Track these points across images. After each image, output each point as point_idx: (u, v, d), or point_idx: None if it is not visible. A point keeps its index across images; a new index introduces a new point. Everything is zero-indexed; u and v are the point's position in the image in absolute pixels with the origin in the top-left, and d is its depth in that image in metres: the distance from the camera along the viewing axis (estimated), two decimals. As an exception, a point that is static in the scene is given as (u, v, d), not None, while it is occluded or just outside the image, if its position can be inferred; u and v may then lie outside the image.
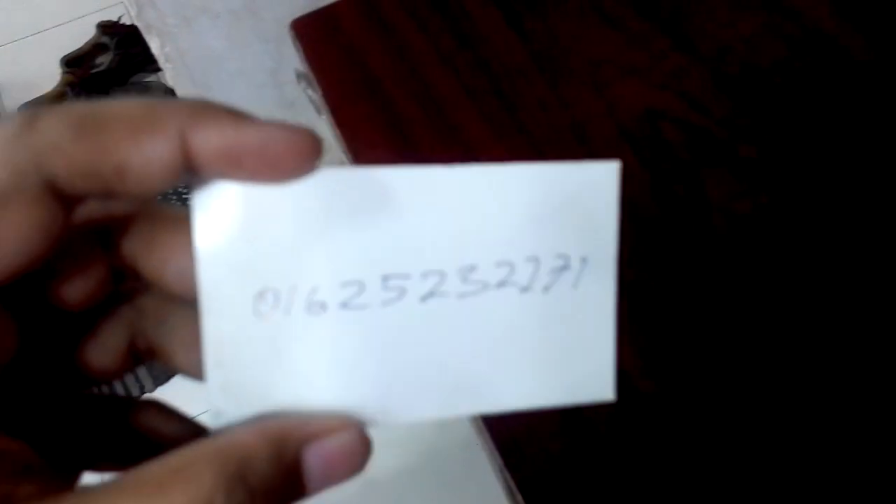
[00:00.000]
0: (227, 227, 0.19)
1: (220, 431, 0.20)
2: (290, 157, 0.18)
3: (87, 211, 0.20)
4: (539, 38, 0.56)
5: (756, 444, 0.40)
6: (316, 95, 0.58)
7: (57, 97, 1.60)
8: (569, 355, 0.22)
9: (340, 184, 0.19)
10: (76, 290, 0.20)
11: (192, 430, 0.23)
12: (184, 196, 1.25)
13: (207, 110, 0.18)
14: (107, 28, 1.64)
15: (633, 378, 0.42)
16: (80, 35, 1.67)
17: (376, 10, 0.60)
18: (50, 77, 1.63)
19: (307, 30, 0.60)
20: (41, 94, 1.61)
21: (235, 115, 0.18)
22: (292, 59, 1.09)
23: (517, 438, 0.41)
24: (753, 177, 0.48)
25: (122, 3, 1.65)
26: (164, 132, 0.17)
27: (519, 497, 0.39)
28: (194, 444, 0.18)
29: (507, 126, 0.52)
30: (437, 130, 0.53)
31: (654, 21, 0.55)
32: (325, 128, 0.56)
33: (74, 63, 1.62)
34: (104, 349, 0.22)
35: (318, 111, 0.58)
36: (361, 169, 0.20)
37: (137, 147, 0.17)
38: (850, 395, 0.41)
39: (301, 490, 0.19)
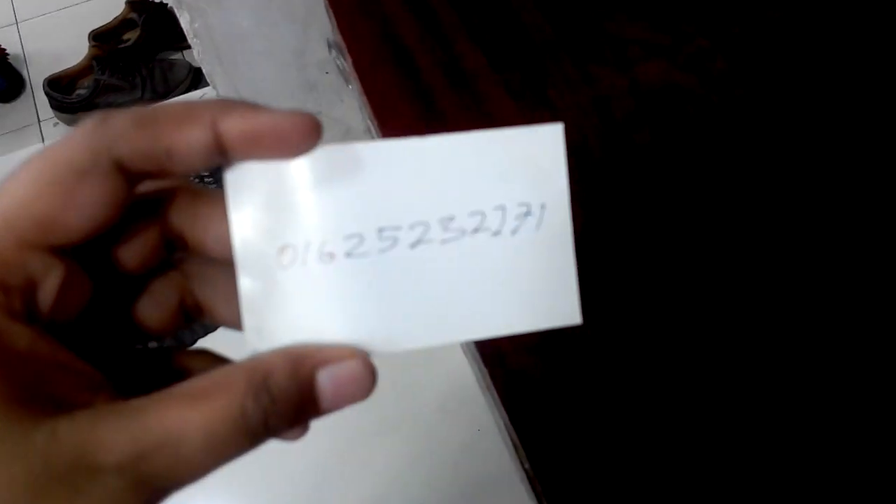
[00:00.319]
0: (253, 197, 0.24)
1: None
2: (297, 136, 0.23)
3: (144, 189, 0.24)
4: (567, 18, 0.57)
5: (726, 370, 0.41)
6: (346, 64, 0.59)
7: (83, 71, 1.62)
8: (538, 286, 0.25)
9: (338, 157, 0.24)
10: (135, 254, 0.25)
11: None
12: (205, 180, 1.27)
13: (233, 104, 0.22)
14: (136, 5, 1.66)
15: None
16: (110, 10, 1.70)
17: (409, -17, 0.61)
18: (77, 51, 1.65)
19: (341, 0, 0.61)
20: (67, 66, 1.63)
21: (254, 107, 0.23)
22: (317, 41, 1.11)
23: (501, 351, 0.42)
24: (771, 159, 0.49)
25: (152, -19, 1.67)
26: (201, 121, 0.22)
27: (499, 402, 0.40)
28: (232, 364, 0.23)
29: (531, 99, 0.53)
30: (462, 101, 0.54)
31: (681, 4, 0.56)
32: (352, 99, 0.58)
33: (102, 38, 1.64)
34: (159, 307, 0.26)
35: (347, 81, 0.60)
36: (354, 144, 0.24)
37: (181, 134, 0.22)
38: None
39: (316, 406, 0.23)
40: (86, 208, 0.22)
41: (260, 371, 0.22)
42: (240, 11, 1.10)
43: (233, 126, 0.22)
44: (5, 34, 1.79)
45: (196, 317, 0.27)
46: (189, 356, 0.27)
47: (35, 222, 0.21)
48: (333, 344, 0.24)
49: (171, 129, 0.22)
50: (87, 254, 0.24)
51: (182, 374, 0.25)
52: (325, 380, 0.23)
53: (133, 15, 1.65)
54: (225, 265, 0.24)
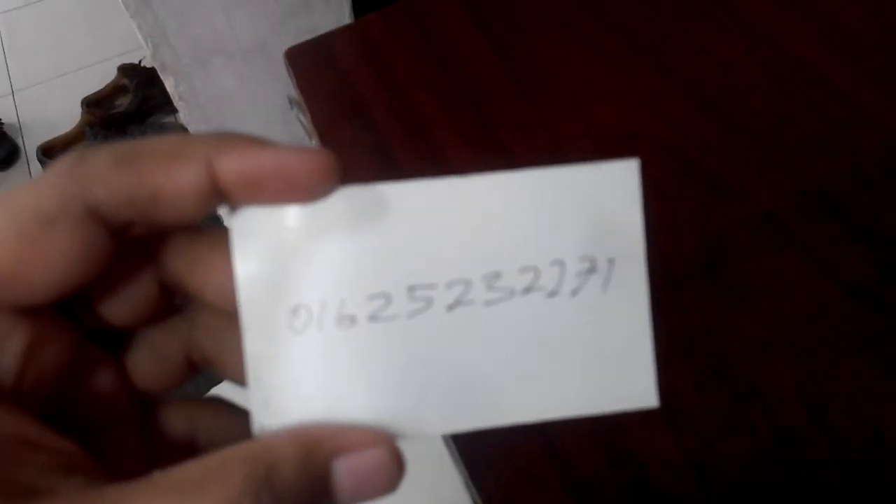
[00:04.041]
0: (262, 248, 0.20)
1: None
2: (309, 178, 0.19)
3: (138, 232, 0.21)
4: (520, 61, 0.57)
5: None
6: (306, 120, 0.59)
7: (76, 137, 1.65)
8: (605, 360, 0.21)
9: (362, 200, 0.20)
10: (128, 307, 0.22)
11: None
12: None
13: (231, 139, 0.19)
14: (127, 70, 1.69)
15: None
16: (103, 77, 1.73)
17: (367, 37, 0.61)
18: (71, 118, 1.68)
19: (300, 57, 0.62)
20: (61, 133, 1.66)
21: (256, 142, 0.19)
22: (300, 95, 1.12)
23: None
24: (726, 195, 0.48)
25: (143, 46, 1.71)
26: (192, 160, 0.19)
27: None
28: (232, 447, 0.19)
29: (487, 145, 0.53)
30: (418, 150, 0.54)
31: (633, 44, 0.56)
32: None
33: (95, 104, 1.67)
34: (160, 362, 0.23)
35: (309, 136, 0.60)
36: (381, 185, 0.20)
37: (168, 174, 0.19)
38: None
39: (330, 502, 0.19)
40: (55, 263, 0.19)
41: (263, 461, 0.18)
42: (224, 72, 1.12)
43: (231, 166, 0.19)
44: (1, 104, 1.82)
45: (203, 369, 0.24)
46: (194, 408, 0.24)
47: None
48: (353, 424, 0.20)
49: (157, 168, 0.19)
50: (69, 309, 0.21)
51: (183, 436, 0.23)
52: (343, 471, 0.19)
53: (125, 81, 1.68)
54: (233, 314, 0.21)
